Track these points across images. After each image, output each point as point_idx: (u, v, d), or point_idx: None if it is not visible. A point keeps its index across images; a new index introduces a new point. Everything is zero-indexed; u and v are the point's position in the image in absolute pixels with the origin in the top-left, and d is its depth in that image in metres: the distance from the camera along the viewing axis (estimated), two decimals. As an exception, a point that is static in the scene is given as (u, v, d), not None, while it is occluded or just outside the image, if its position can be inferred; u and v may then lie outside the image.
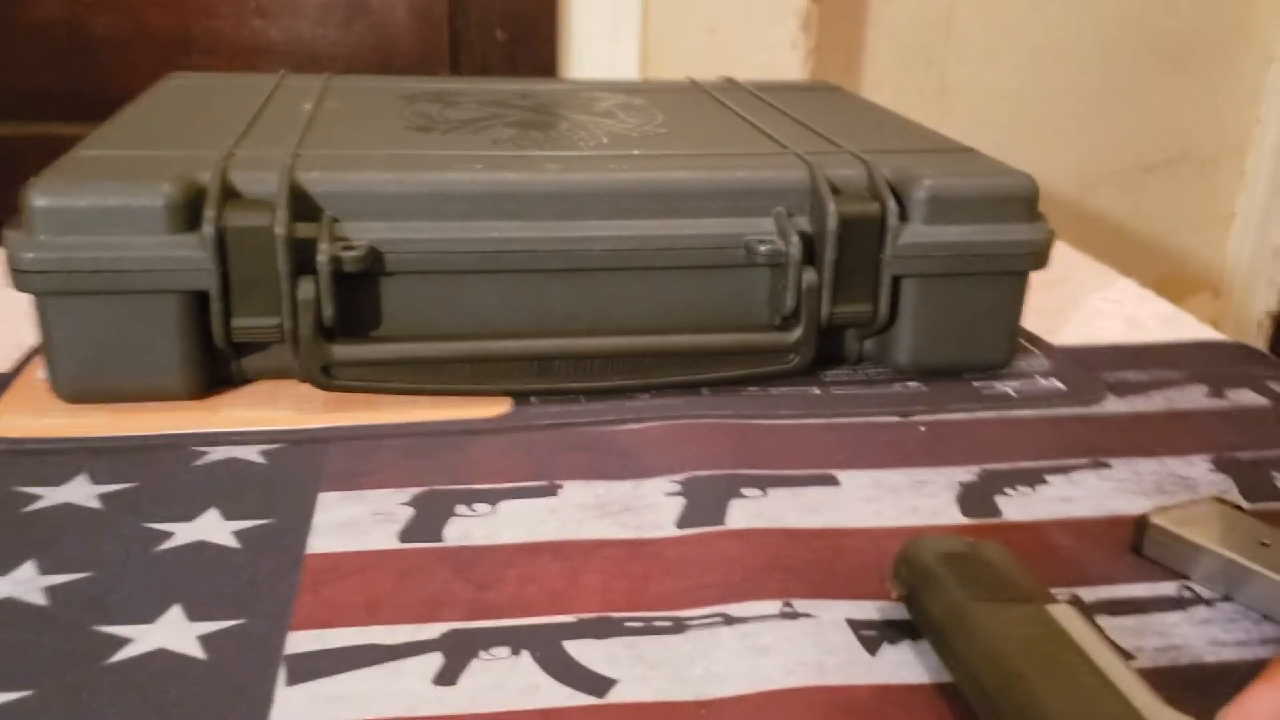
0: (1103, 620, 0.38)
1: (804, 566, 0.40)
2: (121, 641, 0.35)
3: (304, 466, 0.46)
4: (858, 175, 0.55)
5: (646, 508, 0.44)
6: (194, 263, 0.48)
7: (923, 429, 0.52)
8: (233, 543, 0.41)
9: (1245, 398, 0.56)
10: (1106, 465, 0.49)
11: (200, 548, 0.40)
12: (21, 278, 0.47)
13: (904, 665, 0.36)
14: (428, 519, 0.43)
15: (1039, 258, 0.55)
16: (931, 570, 0.36)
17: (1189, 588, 0.40)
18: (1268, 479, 0.48)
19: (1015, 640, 0.32)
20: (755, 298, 0.55)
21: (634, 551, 0.41)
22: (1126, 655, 0.36)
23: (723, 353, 0.53)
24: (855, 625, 0.37)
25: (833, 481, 0.46)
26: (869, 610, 0.38)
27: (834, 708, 0.34)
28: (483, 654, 0.35)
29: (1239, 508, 0.43)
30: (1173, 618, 0.38)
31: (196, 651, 0.35)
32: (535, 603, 0.38)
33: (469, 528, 0.42)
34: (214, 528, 0.42)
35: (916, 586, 0.36)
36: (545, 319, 0.53)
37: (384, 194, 0.50)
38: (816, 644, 0.36)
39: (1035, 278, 0.56)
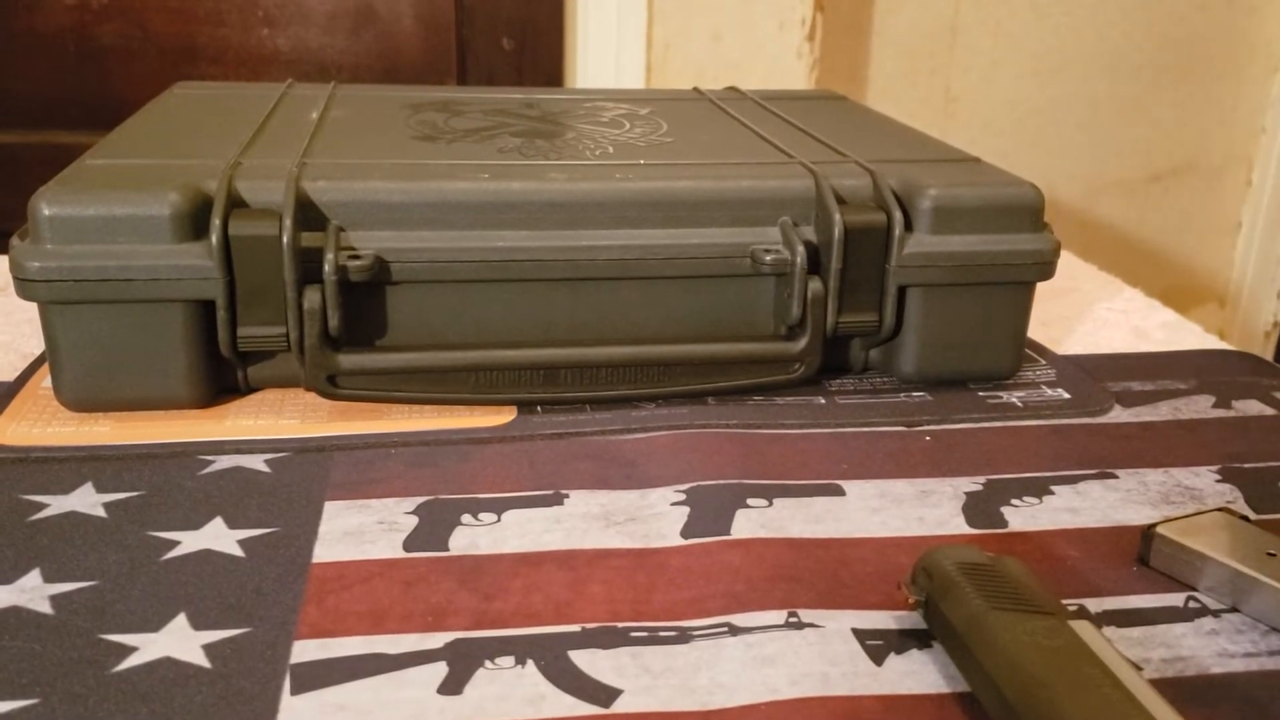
0: (1109, 631, 0.38)
1: (809, 576, 0.40)
2: (127, 650, 0.35)
3: (309, 475, 0.46)
4: (863, 185, 0.55)
5: (652, 517, 0.44)
6: (200, 272, 0.48)
7: (928, 439, 0.51)
8: (238, 551, 0.41)
9: (1252, 408, 0.56)
10: (1113, 475, 0.49)
11: (205, 556, 0.40)
12: (27, 286, 0.47)
13: (910, 675, 0.36)
14: (433, 528, 0.43)
15: (1045, 268, 0.55)
16: (952, 579, 0.36)
17: (1195, 598, 0.40)
18: (1274, 489, 0.48)
19: (1038, 650, 0.32)
20: (761, 307, 0.55)
21: (639, 561, 0.41)
22: (1135, 667, 0.36)
23: (728, 362, 0.53)
24: (861, 635, 0.37)
25: (838, 491, 0.46)
26: (875, 620, 0.38)
27: (840, 718, 0.33)
28: (488, 664, 0.35)
29: (1246, 518, 0.42)
30: (1179, 629, 0.38)
31: (202, 660, 0.35)
32: (540, 612, 0.38)
33: (474, 537, 0.42)
34: (219, 537, 0.42)
35: (936, 594, 0.36)
36: (551, 328, 0.53)
37: (390, 203, 0.51)
38: (822, 654, 0.36)
39: (1041, 287, 0.56)
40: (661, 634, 0.37)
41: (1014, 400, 0.55)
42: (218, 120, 0.61)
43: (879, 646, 0.37)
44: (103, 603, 0.38)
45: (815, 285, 0.53)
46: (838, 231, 0.52)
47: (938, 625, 0.36)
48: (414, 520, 0.43)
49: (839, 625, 0.38)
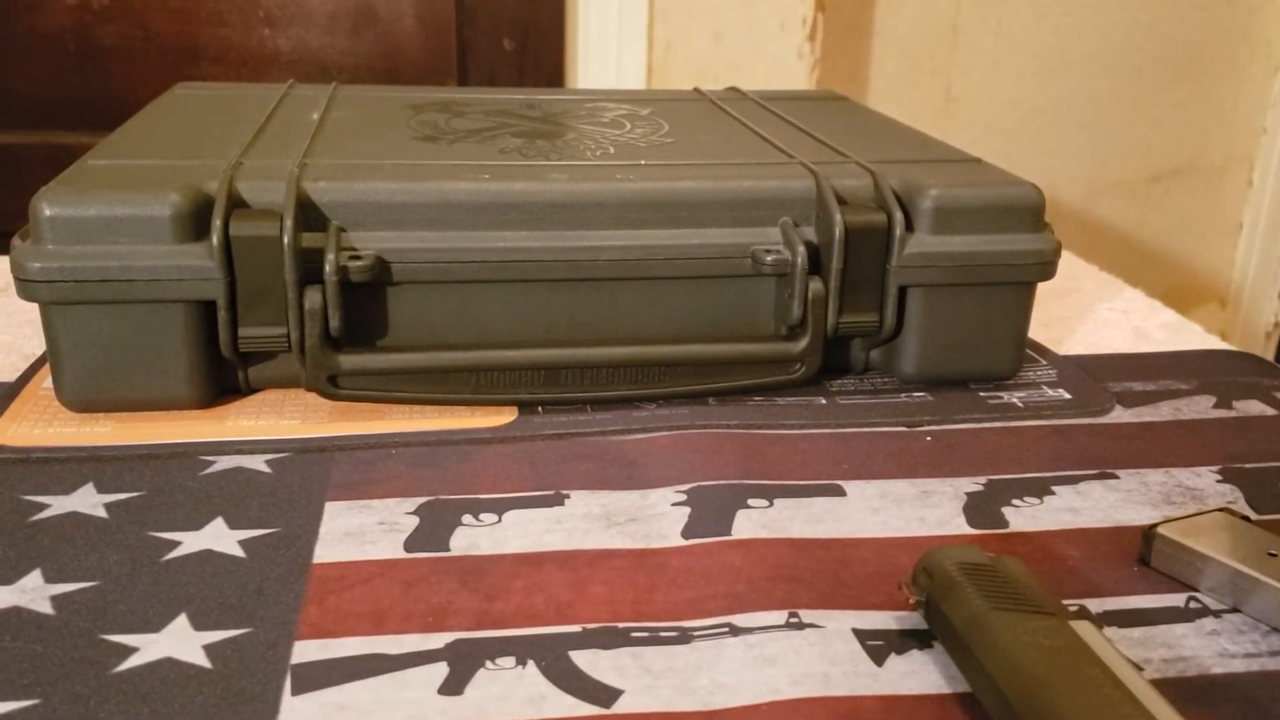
0: (1110, 632, 0.38)
1: (810, 577, 0.40)
2: (128, 650, 0.35)
3: (310, 476, 0.46)
4: (864, 185, 0.55)
5: (652, 518, 0.44)
6: (201, 272, 0.48)
7: (929, 439, 0.51)
8: (239, 552, 0.41)
9: (1253, 408, 0.56)
10: (1113, 476, 0.49)
11: (206, 557, 0.40)
12: (28, 287, 0.47)
13: (911, 675, 0.36)
14: (434, 529, 0.43)
15: (1046, 268, 0.55)
16: (953, 579, 0.36)
17: (1196, 599, 0.40)
18: (1275, 489, 0.48)
19: (1038, 650, 0.32)
20: (761, 308, 0.55)
21: (640, 562, 0.41)
22: (1136, 667, 0.36)
23: (729, 363, 0.53)
24: (862, 636, 0.37)
25: (839, 492, 0.46)
26: (876, 620, 0.38)
27: (840, 718, 0.33)
28: (489, 664, 0.35)
29: (1246, 518, 0.42)
30: (1180, 629, 0.38)
31: (203, 661, 0.35)
32: (541, 613, 0.38)
33: (475, 537, 0.42)
34: (220, 537, 0.42)
35: (937, 595, 0.36)
36: (552, 329, 0.53)
37: (391, 204, 0.51)
38: (823, 654, 0.36)
39: (1042, 288, 0.56)
40: (662, 634, 0.37)
41: (1015, 400, 0.55)
42: (219, 121, 0.61)
43: (880, 647, 0.37)
44: (104, 603, 0.38)
45: (816, 285, 0.53)
46: (838, 232, 0.52)
47: (938, 625, 0.36)
48: (415, 520, 0.43)
49: (840, 625, 0.38)
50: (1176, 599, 0.40)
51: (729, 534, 0.43)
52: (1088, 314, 0.69)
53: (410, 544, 0.42)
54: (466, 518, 0.44)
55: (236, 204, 0.49)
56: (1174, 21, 1.57)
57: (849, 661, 0.36)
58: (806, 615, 0.38)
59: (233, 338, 0.50)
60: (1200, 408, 0.56)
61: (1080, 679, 0.31)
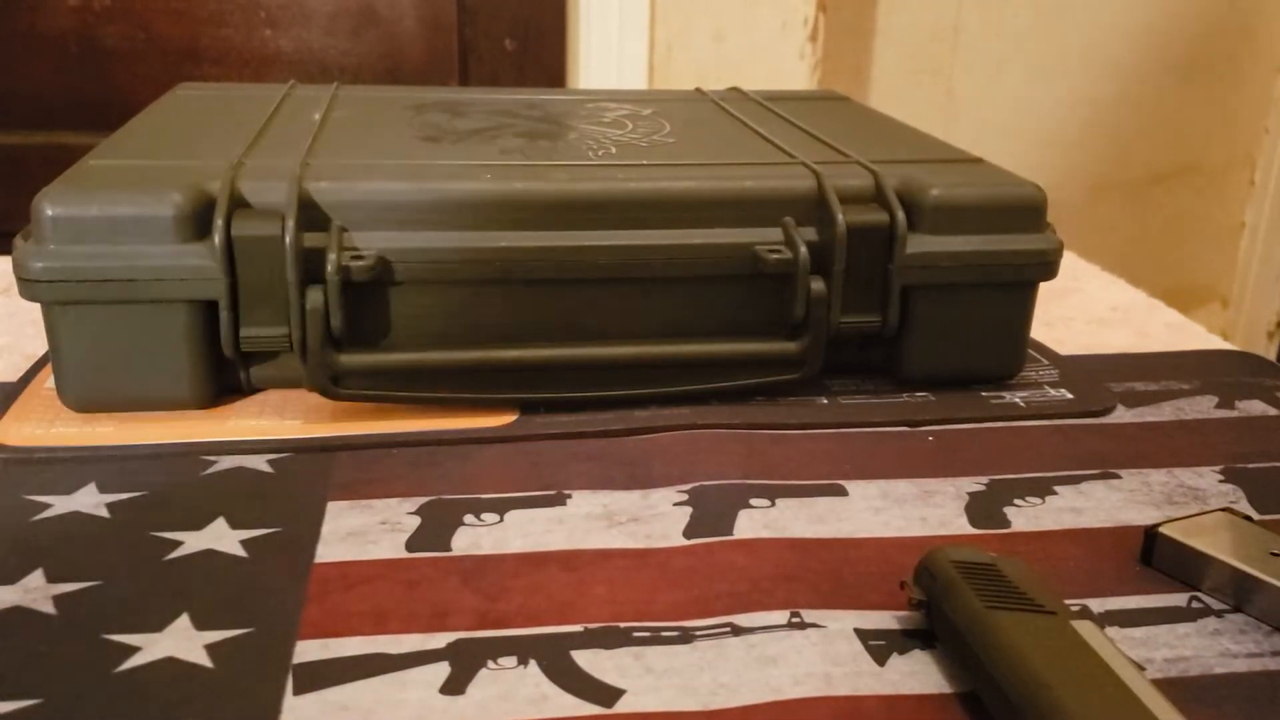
0: (1112, 631, 0.38)
1: (812, 577, 0.40)
2: (130, 650, 0.35)
3: (312, 476, 0.46)
4: (866, 185, 0.55)
5: (654, 518, 0.44)
6: (203, 272, 0.48)
7: (931, 439, 0.51)
8: (240, 552, 0.41)
9: (1255, 408, 0.56)
10: (1116, 476, 0.49)
11: (208, 556, 0.40)
12: (31, 287, 0.47)
13: (912, 675, 0.36)
14: (435, 528, 0.43)
15: (1047, 268, 0.55)
16: (955, 579, 0.36)
17: (1198, 599, 0.40)
18: (1278, 489, 0.48)
19: (1040, 650, 0.32)
20: (763, 307, 0.55)
21: (642, 561, 0.41)
22: (1138, 667, 0.36)
23: (731, 362, 0.53)
24: (864, 635, 0.37)
25: (841, 492, 0.46)
26: (877, 620, 0.38)
27: (842, 718, 0.33)
28: (490, 664, 0.35)
29: (1249, 518, 0.42)
30: (1182, 629, 0.38)
31: (204, 660, 0.35)
32: (543, 613, 0.38)
33: (476, 537, 0.42)
34: (222, 537, 0.42)
35: (939, 594, 0.36)
36: (553, 328, 0.53)
37: (392, 203, 0.51)
38: (824, 654, 0.36)
39: (1044, 287, 0.56)
40: (664, 634, 0.37)
41: (1017, 400, 0.55)
42: (220, 121, 0.61)
43: (881, 646, 0.37)
44: (105, 603, 0.38)
45: (818, 285, 0.53)
46: (840, 231, 0.52)
47: (940, 625, 0.36)
48: (416, 520, 0.43)
49: (841, 625, 0.38)
50: (1178, 599, 0.40)
51: (731, 534, 0.43)
52: (1090, 314, 0.69)
53: (412, 544, 0.42)
54: (468, 517, 0.44)
55: (238, 204, 0.49)
56: (1176, 22, 1.57)
57: (851, 661, 0.36)
58: (808, 615, 0.38)
59: (234, 337, 0.50)
60: (1202, 408, 0.56)
61: (1082, 678, 0.31)
